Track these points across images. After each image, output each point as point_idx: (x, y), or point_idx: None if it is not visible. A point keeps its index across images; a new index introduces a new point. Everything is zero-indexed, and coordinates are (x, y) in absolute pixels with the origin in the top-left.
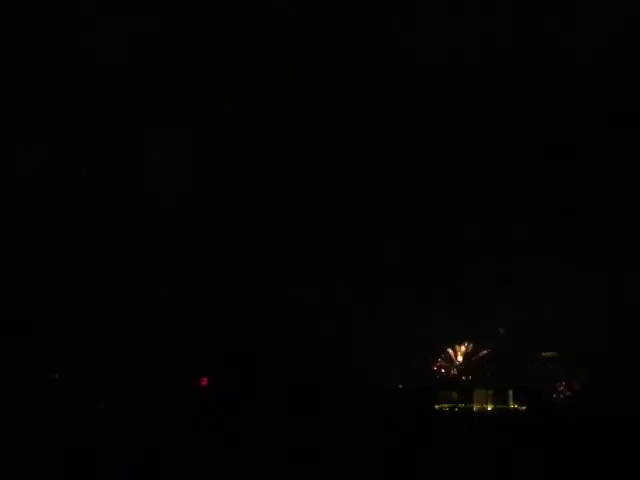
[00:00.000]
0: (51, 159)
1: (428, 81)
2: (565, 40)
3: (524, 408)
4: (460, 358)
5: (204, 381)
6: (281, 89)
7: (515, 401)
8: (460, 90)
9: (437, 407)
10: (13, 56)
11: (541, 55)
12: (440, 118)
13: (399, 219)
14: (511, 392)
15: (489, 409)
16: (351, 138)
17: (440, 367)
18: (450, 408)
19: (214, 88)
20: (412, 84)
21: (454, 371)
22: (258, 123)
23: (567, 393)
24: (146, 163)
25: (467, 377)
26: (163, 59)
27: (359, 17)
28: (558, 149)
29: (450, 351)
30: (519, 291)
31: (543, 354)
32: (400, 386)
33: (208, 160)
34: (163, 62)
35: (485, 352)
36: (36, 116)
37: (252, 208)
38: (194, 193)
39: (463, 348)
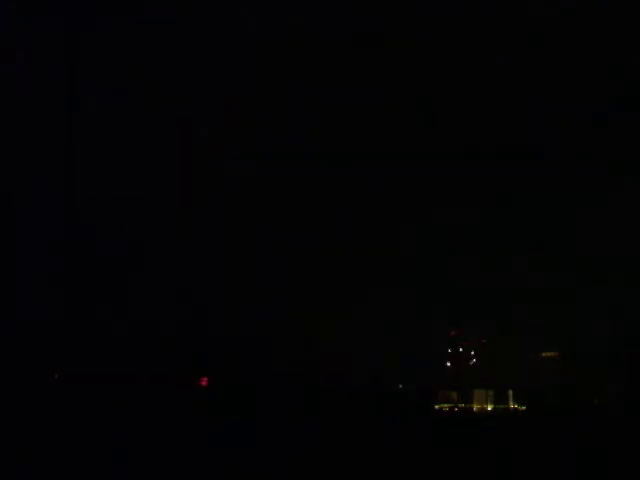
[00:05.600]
0: (51, 158)
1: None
2: None
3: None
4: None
5: (204, 381)
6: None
7: (515, 401)
8: None
9: (437, 407)
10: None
11: None
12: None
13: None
14: (511, 392)
15: (489, 409)
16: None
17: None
18: (450, 408)
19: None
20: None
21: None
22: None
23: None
24: (145, 163)
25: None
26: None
27: None
28: None
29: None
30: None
31: (543, 354)
32: (400, 386)
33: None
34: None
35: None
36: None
37: (253, 208)
38: (194, 193)
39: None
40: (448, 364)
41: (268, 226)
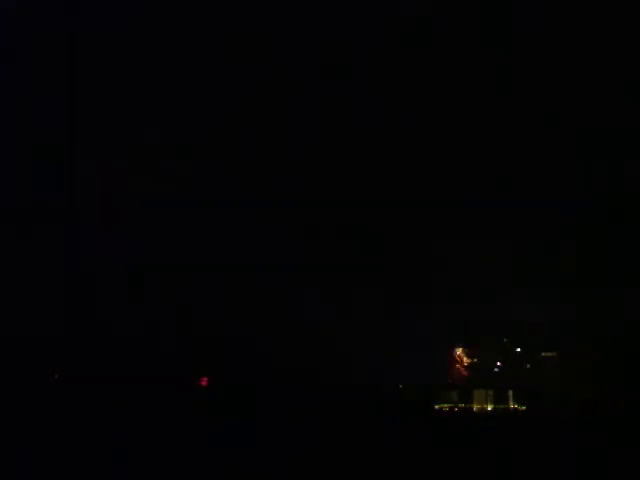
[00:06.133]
0: (50, 159)
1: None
2: None
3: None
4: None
5: (204, 381)
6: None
7: (515, 401)
8: None
9: (437, 407)
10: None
11: None
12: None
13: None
14: (511, 392)
15: (489, 409)
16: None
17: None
18: (450, 408)
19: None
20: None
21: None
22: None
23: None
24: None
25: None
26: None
27: None
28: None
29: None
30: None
31: (543, 354)
32: (400, 386)
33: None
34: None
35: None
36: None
37: (251, 208)
38: (193, 193)
39: (464, 355)
40: (448, 364)
41: (268, 225)
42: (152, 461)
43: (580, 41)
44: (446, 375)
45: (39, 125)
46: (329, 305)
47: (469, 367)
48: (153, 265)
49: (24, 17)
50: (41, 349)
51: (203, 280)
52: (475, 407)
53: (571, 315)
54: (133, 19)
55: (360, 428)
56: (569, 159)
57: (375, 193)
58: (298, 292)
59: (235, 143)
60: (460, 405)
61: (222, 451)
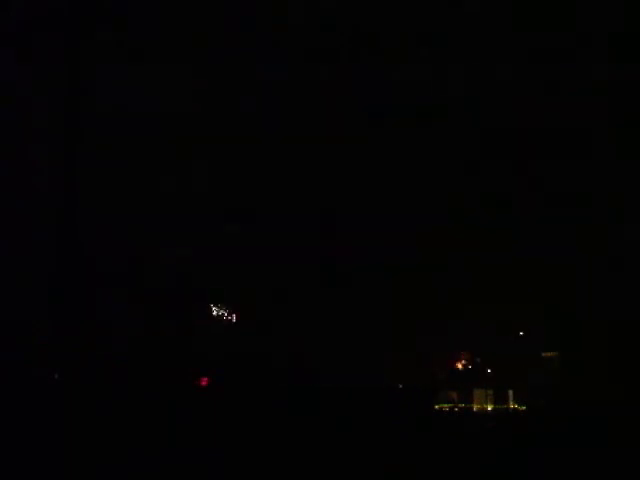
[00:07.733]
0: (49, 159)
1: None
2: None
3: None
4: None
5: (204, 381)
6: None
7: (515, 401)
8: None
9: (437, 407)
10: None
11: None
12: None
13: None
14: (511, 392)
15: (489, 409)
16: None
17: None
18: (450, 408)
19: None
20: None
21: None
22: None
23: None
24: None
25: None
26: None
27: None
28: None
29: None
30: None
31: (543, 354)
32: (400, 386)
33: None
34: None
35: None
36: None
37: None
38: (192, 194)
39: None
40: (448, 364)
41: (267, 226)
42: (152, 461)
43: None
44: (446, 375)
45: (39, 125)
46: (329, 305)
47: (469, 367)
48: (152, 264)
49: (24, 16)
50: (41, 349)
51: (201, 277)
52: (475, 407)
53: (571, 314)
54: (134, 13)
55: (360, 428)
56: None
57: (374, 200)
58: (297, 291)
59: (235, 142)
60: (460, 405)
61: (222, 451)
